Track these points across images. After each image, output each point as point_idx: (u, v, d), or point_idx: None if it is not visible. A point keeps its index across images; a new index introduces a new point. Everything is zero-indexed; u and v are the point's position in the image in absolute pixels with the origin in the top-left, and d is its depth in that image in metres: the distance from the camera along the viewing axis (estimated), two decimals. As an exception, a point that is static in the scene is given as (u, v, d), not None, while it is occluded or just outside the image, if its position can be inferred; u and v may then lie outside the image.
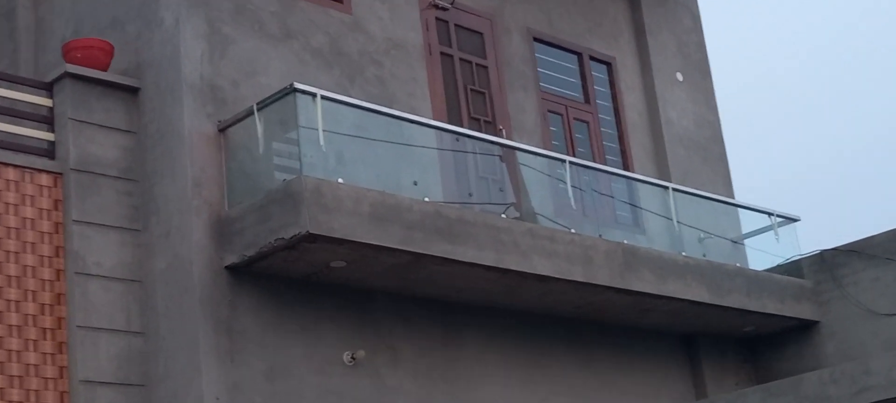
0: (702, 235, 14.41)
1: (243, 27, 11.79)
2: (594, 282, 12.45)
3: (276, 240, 10.44)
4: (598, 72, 15.45)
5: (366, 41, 12.85)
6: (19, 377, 10.12)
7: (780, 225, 15.27)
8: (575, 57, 15.25)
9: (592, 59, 15.41)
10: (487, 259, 11.52)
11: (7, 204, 10.49)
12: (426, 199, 11.42)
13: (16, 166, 10.64)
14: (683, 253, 13.77)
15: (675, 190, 14.41)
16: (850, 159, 45.58)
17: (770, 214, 15.29)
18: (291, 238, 10.34)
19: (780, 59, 48.54)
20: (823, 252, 14.91)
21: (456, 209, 11.67)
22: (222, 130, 11.22)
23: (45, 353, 10.33)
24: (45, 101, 11.15)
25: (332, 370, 11.26)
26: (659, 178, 15.02)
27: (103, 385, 10.47)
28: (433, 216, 11.22)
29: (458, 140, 12.74)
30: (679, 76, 16.22)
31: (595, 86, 15.31)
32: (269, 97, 11.09)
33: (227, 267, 10.80)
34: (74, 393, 10.33)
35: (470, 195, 12.53)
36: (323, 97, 11.04)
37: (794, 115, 47.48)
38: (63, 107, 11.06)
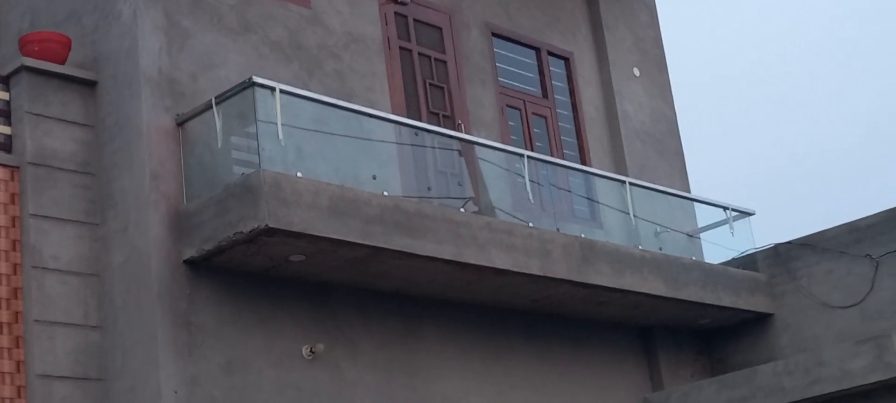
0: (658, 229, 14.51)
1: (201, 20, 11.74)
2: (552, 276, 12.48)
3: (234, 234, 10.39)
4: (555, 67, 15.49)
5: (324, 35, 12.83)
6: None
7: (735, 219, 15.38)
8: (533, 52, 15.30)
9: (550, 54, 15.46)
10: (446, 252, 11.53)
11: None
12: (385, 193, 11.41)
13: None
14: (640, 247, 13.83)
15: (631, 184, 14.48)
16: (805, 155, 46.01)
17: (725, 208, 15.40)
18: (250, 232, 10.30)
19: (739, 55, 48.94)
20: (778, 245, 15.01)
21: (415, 203, 11.68)
22: (180, 124, 11.16)
23: (1, 348, 10.24)
24: (0, 95, 11.06)
25: (292, 363, 11.24)
26: (616, 172, 15.11)
27: (60, 380, 10.40)
28: (392, 210, 11.21)
29: (416, 134, 12.74)
30: (636, 71, 16.29)
31: (553, 81, 15.36)
32: (227, 91, 11.04)
33: (185, 261, 10.75)
34: (31, 388, 10.24)
35: (429, 189, 12.54)
36: (282, 91, 11.01)
37: (752, 112, 47.85)
38: (19, 101, 10.98)
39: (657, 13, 17.14)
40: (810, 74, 48.54)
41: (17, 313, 10.41)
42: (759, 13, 49.73)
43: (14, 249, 10.57)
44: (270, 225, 10.23)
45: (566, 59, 15.64)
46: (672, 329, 14.77)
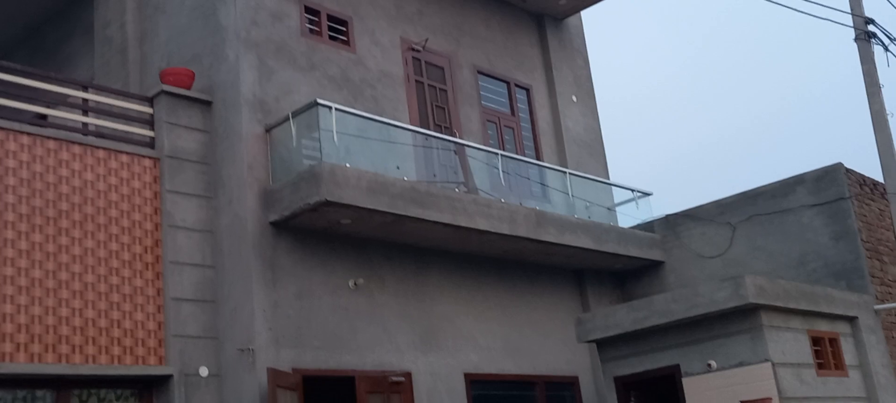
0: (587, 204, 14.46)
1: (282, 61, 11.71)
2: (516, 235, 12.49)
3: (304, 205, 10.42)
4: (520, 95, 15.44)
5: (365, 72, 12.79)
6: (130, 295, 10.09)
7: (639, 198, 15.36)
8: (505, 84, 15.24)
9: (516, 85, 15.41)
10: (446, 219, 11.54)
11: (121, 178, 10.41)
12: (405, 178, 11.41)
13: (128, 154, 10.57)
14: (576, 216, 13.83)
15: (570, 174, 14.47)
16: (694, 149, 46.04)
17: (632, 190, 15.38)
18: (314, 203, 10.34)
19: (648, 73, 48.93)
20: (668, 216, 15.02)
21: (425, 185, 11.66)
22: (268, 131, 11.16)
23: (147, 280, 10.30)
24: (147, 109, 11.07)
25: (341, 292, 11.28)
26: (560, 166, 15.08)
27: (187, 302, 10.46)
28: (409, 190, 11.21)
29: (426, 139, 12.69)
30: (574, 98, 16.27)
31: (518, 104, 15.31)
32: (300, 108, 11.06)
33: (270, 223, 10.76)
34: (167, 307, 10.32)
35: (434, 176, 12.51)
36: (336, 109, 11.03)
37: (658, 118, 47.93)
38: (160, 114, 10.99)
39: (588, 59, 17.08)
40: (707, 84, 48.53)
41: (158, 256, 10.45)
42: (660, 36, 49.68)
43: (156, 214, 10.59)
44: (328, 199, 10.27)
45: (527, 89, 15.60)
46: (597, 271, 14.77)
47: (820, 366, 11.19)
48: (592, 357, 13.80)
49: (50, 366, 9.27)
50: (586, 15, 17.28)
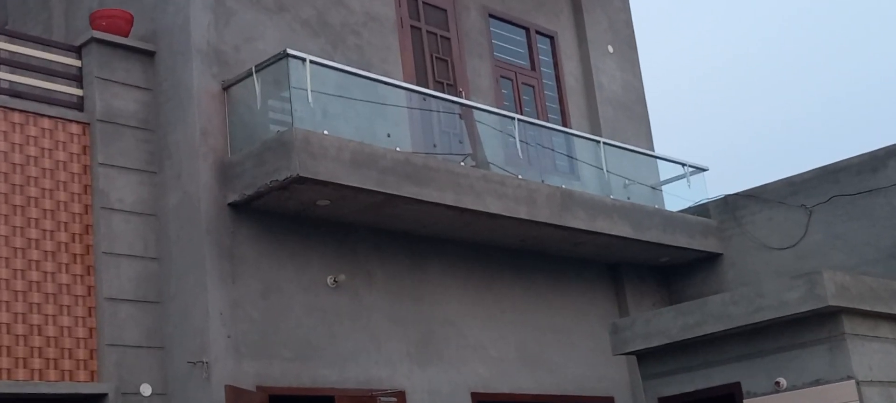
0: (626, 182, 14.49)
1: (244, 2, 11.68)
2: (536, 220, 12.50)
3: (271, 182, 10.41)
4: (542, 44, 15.45)
5: (347, 14, 12.77)
6: (54, 294, 10.11)
7: (691, 174, 15.40)
8: (523, 31, 15.25)
9: (538, 33, 15.40)
10: (448, 199, 11.56)
11: (43, 148, 10.42)
12: (397, 149, 11.40)
13: (51, 117, 10.58)
14: (611, 197, 13.83)
15: (604, 143, 14.47)
16: (754, 119, 46.13)
17: (683, 165, 15.42)
18: (284, 180, 10.33)
19: (706, 39, 49.03)
20: (727, 196, 15.03)
21: (422, 157, 11.65)
22: (226, 88, 11.15)
23: (75, 275, 10.31)
24: (75, 62, 11.05)
25: (318, 290, 11.30)
26: (591, 134, 15.08)
27: (124, 302, 10.48)
28: (403, 163, 11.21)
29: (424, 100, 12.69)
30: (610, 48, 16.25)
31: (540, 56, 15.32)
32: (265, 61, 11.03)
33: (229, 204, 10.77)
34: (100, 309, 10.33)
35: (434, 146, 12.52)
36: (311, 61, 11.00)
37: (715, 82, 47.96)
38: (90, 67, 10.97)
39: (629, 1, 17.09)
40: (761, 58, 48.59)
41: (88, 246, 10.45)
42: (723, 5, 49.76)
43: (85, 193, 10.59)
44: (301, 175, 10.26)
45: (551, 38, 15.59)
46: (636, 265, 14.81)
47: (916, 385, 11.18)
48: (631, 373, 13.83)
49: None
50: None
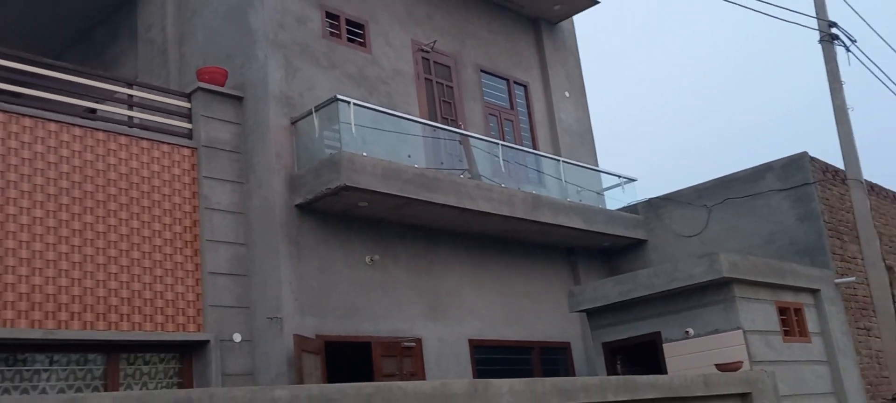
0: (578, 189, 14.52)
1: (306, 61, 11.75)
2: (515, 216, 12.54)
3: (325, 189, 10.46)
4: (518, 91, 15.47)
5: (379, 70, 12.82)
6: (171, 270, 10.15)
7: (625, 183, 15.39)
8: (505, 81, 15.29)
9: (515, 82, 15.44)
10: (452, 201, 11.58)
11: (163, 166, 10.47)
12: (415, 166, 11.44)
13: (169, 144, 10.63)
14: (568, 199, 13.87)
15: (563, 161, 14.52)
16: (673, 142, 46.03)
17: (619, 176, 15.41)
18: (335, 188, 10.38)
19: (645, 75, 49.00)
20: (650, 199, 15.05)
21: (433, 172, 11.69)
22: (293, 123, 11.21)
23: (187, 256, 10.37)
24: (186, 104, 11.12)
25: (359, 266, 11.32)
26: (554, 154, 15.12)
27: (221, 275, 10.54)
28: (419, 176, 11.25)
29: (434, 131, 12.72)
30: (566, 93, 16.30)
31: (517, 99, 15.34)
32: (321, 103, 11.08)
33: (295, 206, 10.81)
34: (204, 280, 10.39)
35: (441, 163, 12.57)
36: (354, 104, 11.04)
37: (647, 114, 47.91)
38: (197, 108, 11.04)
39: (580, 59, 17.14)
40: (688, 92, 48.49)
41: (196, 235, 10.51)
42: (659, 50, 49.59)
43: (194, 198, 10.64)
44: (347, 184, 10.31)
45: (525, 86, 15.63)
46: (586, 249, 14.83)
47: (786, 333, 11.24)
48: (583, 326, 13.87)
49: (101, 333, 9.37)
50: (586, 20, 17.26)
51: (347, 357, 11.30)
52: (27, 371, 9.01)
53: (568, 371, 13.52)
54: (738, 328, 10.52)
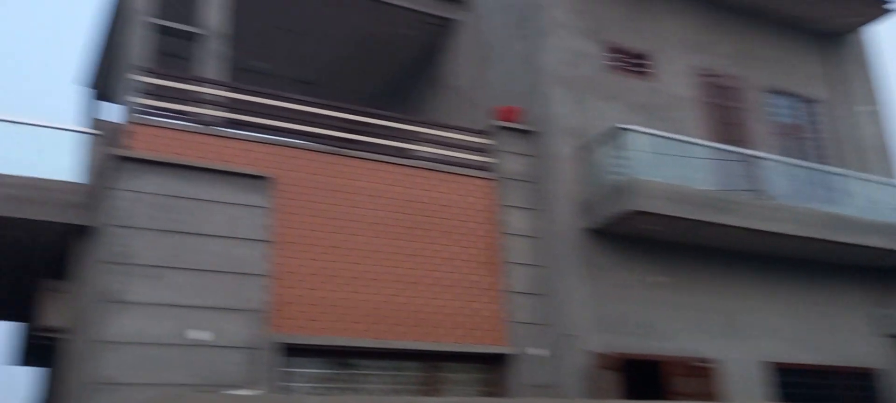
0: (877, 206, 13.44)
1: (591, 95, 12.10)
2: (811, 236, 11.81)
3: (618, 213, 10.66)
4: (806, 108, 14.43)
5: (662, 98, 12.80)
6: (476, 290, 10.80)
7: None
8: (791, 99, 14.45)
9: (803, 100, 14.52)
10: (745, 223, 11.24)
11: (467, 197, 11.20)
12: (704, 188, 11.26)
13: (471, 177, 11.33)
14: (868, 217, 12.79)
15: (864, 178, 13.38)
16: None
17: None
18: (627, 212, 10.58)
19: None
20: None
21: (722, 194, 11.47)
22: (580, 152, 11.54)
23: (490, 277, 10.97)
24: (484, 141, 11.75)
25: (648, 287, 11.36)
26: (845, 170, 14.17)
27: (521, 294, 10.96)
28: (709, 198, 11.12)
29: (721, 153, 12.33)
30: (861, 107, 15.20)
31: (805, 117, 14.38)
32: (606, 132, 11.35)
33: (586, 229, 11.13)
34: (506, 299, 10.92)
35: (729, 186, 12.18)
36: (642, 132, 11.20)
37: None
38: (496, 143, 11.66)
39: (877, 71, 15.90)
40: None
41: (498, 258, 11.06)
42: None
43: (494, 224, 11.24)
44: (639, 209, 10.47)
45: (813, 102, 14.60)
46: (893, 269, 13.61)
47: None
48: (889, 351, 12.90)
49: (418, 343, 10.24)
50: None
51: (639, 375, 11.47)
52: (358, 374, 10.21)
53: (876, 398, 12.65)
54: None
